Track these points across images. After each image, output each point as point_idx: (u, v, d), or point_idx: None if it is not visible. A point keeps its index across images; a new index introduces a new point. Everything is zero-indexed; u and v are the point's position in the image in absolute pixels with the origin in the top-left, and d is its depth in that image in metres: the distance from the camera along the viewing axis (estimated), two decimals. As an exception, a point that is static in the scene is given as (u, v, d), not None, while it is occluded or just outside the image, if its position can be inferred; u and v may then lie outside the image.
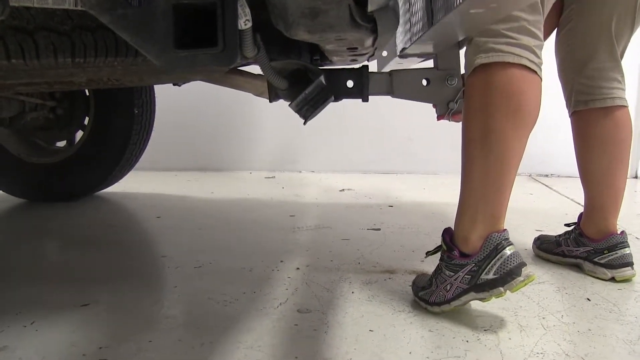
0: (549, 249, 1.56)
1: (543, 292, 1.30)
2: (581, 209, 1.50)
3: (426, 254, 1.25)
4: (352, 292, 1.29)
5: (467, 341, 1.04)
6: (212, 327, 1.11)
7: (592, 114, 1.39)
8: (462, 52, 1.35)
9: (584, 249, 1.44)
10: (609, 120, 1.37)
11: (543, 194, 2.64)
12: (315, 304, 1.22)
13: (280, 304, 1.23)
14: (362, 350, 1.01)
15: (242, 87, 1.74)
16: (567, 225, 1.56)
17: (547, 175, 3.21)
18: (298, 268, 1.47)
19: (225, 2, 0.70)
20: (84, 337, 1.07)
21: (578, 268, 1.46)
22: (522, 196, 2.57)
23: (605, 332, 1.09)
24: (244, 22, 0.75)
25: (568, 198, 2.51)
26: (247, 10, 0.75)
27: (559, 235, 1.55)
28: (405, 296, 1.27)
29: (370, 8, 0.77)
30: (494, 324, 1.12)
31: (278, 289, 1.32)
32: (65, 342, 1.05)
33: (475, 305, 1.20)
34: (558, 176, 3.19)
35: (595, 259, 1.41)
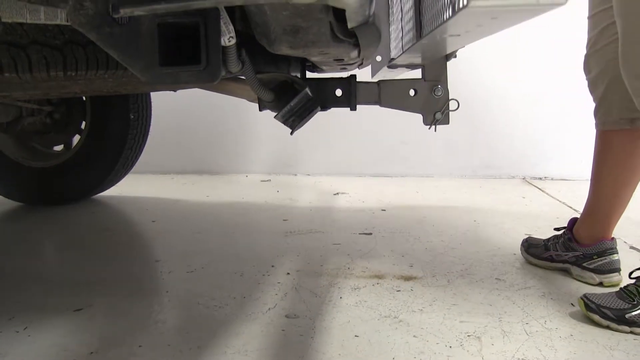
0: (537, 254, 1.57)
1: (528, 297, 1.33)
2: (573, 213, 1.52)
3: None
4: (340, 298, 1.32)
5: (450, 347, 1.07)
6: (201, 331, 1.14)
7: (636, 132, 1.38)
8: (449, 63, 1.37)
9: (572, 253, 1.46)
10: None
11: (536, 197, 2.66)
12: (304, 309, 1.25)
13: (269, 309, 1.25)
14: (347, 355, 1.03)
15: (235, 94, 1.77)
16: (557, 229, 1.58)
17: (541, 179, 3.23)
18: (288, 273, 1.50)
19: (208, 21, 0.73)
20: (76, 341, 1.10)
21: (567, 273, 1.48)
22: (515, 199, 2.59)
23: (587, 338, 1.11)
24: (228, 39, 0.77)
25: (560, 201, 2.53)
26: (231, 27, 0.77)
27: (548, 240, 1.57)
28: (392, 301, 1.29)
29: (350, 25, 0.79)
30: (478, 330, 1.14)
31: (267, 294, 1.34)
32: (56, 347, 1.07)
33: (461, 310, 1.23)
34: (552, 179, 3.20)
35: (584, 264, 1.43)
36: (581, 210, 1.54)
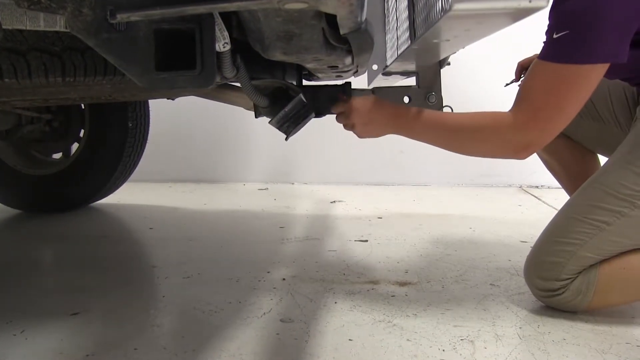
0: None
1: (522, 302, 1.33)
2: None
3: None
4: (335, 303, 1.33)
5: (444, 350, 1.08)
6: (196, 335, 1.14)
7: None
8: (444, 71, 1.40)
9: None
10: None
11: (532, 206, 2.67)
12: (298, 313, 1.26)
13: (264, 313, 1.26)
14: (341, 358, 1.04)
15: (233, 102, 1.79)
16: None
17: (537, 187, 3.24)
18: (284, 279, 1.51)
19: (203, 27, 0.75)
20: (72, 345, 1.11)
21: None
22: (511, 207, 2.61)
23: (579, 342, 1.12)
24: (223, 45, 0.79)
25: (556, 209, 2.54)
26: (226, 33, 0.79)
27: None
28: (386, 306, 1.30)
29: (342, 31, 0.81)
30: (471, 334, 1.15)
31: (263, 299, 1.35)
32: (53, 350, 1.08)
33: (454, 315, 1.24)
34: (549, 187, 3.22)
35: None
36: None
